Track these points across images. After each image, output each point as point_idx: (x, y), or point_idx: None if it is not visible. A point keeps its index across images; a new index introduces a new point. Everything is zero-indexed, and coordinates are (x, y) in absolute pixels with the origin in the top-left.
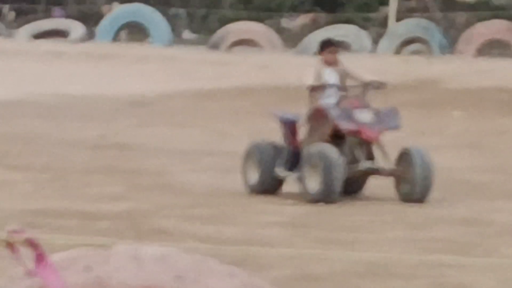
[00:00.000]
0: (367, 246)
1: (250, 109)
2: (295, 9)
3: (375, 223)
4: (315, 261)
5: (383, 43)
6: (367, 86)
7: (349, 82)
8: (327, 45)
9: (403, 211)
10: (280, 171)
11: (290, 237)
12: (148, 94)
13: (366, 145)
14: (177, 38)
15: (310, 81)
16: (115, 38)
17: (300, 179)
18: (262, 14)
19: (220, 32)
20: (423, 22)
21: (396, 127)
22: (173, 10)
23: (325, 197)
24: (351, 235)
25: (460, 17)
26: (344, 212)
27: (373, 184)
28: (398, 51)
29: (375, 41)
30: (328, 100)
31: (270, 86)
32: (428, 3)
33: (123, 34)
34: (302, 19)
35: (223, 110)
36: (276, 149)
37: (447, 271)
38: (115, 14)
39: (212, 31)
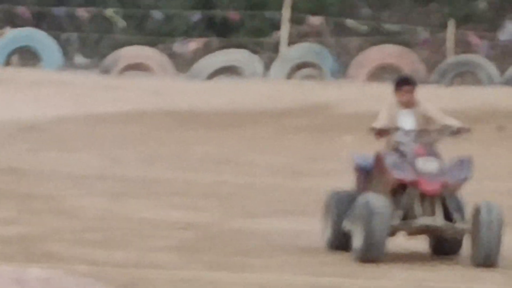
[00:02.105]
0: (257, 270)
1: (141, 134)
2: (188, 34)
3: (266, 248)
4: (204, 285)
5: (275, 67)
6: (442, 131)
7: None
8: (402, 84)
9: (295, 235)
10: (347, 224)
11: (180, 261)
12: (40, 119)
13: (430, 199)
14: (69, 63)
15: (379, 123)
16: (7, 62)
17: (350, 234)
18: (155, 38)
19: (112, 56)
20: (315, 46)
21: (463, 180)
22: (65, 35)
23: (367, 253)
24: (241, 259)
25: (352, 42)
26: (236, 238)
27: None
28: (290, 76)
29: (267, 66)
30: (402, 146)
31: (162, 110)
32: (321, 28)
33: (14, 58)
34: (195, 44)
35: (115, 134)
36: (352, 199)
37: None
38: (7, 39)
39: (104, 56)
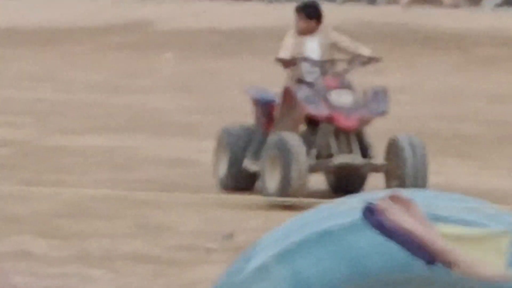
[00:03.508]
0: (71, 187)
1: None
2: None
3: (81, 165)
4: (17, 202)
5: None
6: (352, 61)
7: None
8: (300, 10)
9: (111, 152)
10: (248, 163)
11: None
12: None
13: (345, 135)
14: None
15: (283, 53)
16: None
17: (260, 174)
18: None
19: None
20: None
21: (381, 113)
22: None
23: (284, 194)
24: (55, 176)
25: None
26: (52, 155)
27: None
28: None
29: None
30: (309, 77)
31: None
32: None
33: None
34: None
35: None
36: (250, 135)
37: (150, 211)
38: None
39: None
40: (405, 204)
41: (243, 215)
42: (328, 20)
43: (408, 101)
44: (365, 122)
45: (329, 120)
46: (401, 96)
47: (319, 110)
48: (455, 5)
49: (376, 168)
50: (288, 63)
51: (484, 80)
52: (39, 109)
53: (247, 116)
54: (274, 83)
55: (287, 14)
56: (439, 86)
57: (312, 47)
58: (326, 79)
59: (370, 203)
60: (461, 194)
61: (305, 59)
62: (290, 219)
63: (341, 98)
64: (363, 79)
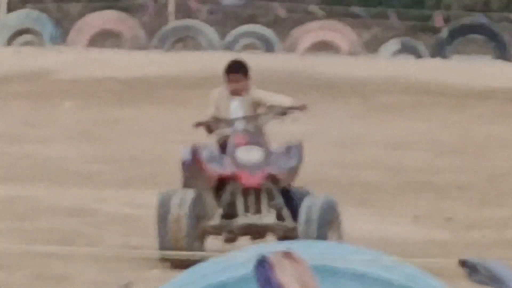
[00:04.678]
0: None
1: None
2: None
3: None
4: None
5: None
6: (268, 113)
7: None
8: (229, 71)
9: (10, 201)
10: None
11: None
12: None
13: (254, 194)
14: None
15: (205, 116)
16: None
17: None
18: None
19: None
20: (35, 13)
21: (291, 169)
22: None
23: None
24: None
25: (73, 7)
26: None
27: None
28: (9, 42)
29: None
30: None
31: None
32: None
33: None
34: None
35: None
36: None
37: (51, 262)
38: None
39: None
40: (296, 261)
41: (142, 265)
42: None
43: (308, 148)
44: (273, 179)
45: (234, 178)
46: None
47: (222, 169)
48: (353, 53)
49: (289, 231)
50: (208, 128)
51: (383, 127)
52: None
53: (149, 165)
54: (176, 131)
55: (186, 63)
56: (339, 134)
57: (237, 106)
58: (235, 136)
59: (263, 257)
60: (359, 244)
61: (219, 120)
62: (188, 270)
63: (248, 155)
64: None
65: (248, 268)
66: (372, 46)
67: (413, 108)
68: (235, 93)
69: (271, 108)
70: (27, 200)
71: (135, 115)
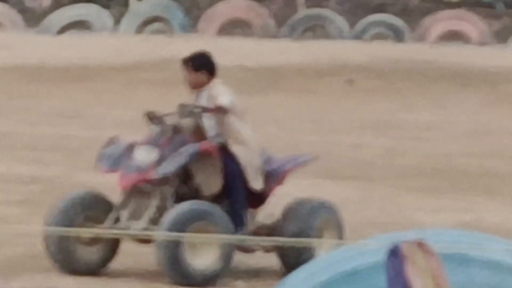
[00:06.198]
0: None
1: None
2: None
3: None
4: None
5: (125, 22)
6: (182, 112)
7: None
8: (184, 63)
9: None
10: None
11: (24, 215)
12: None
13: (141, 197)
14: None
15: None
16: None
17: None
18: None
19: None
20: (164, 1)
21: (165, 173)
22: None
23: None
24: None
25: None
26: None
27: None
28: (139, 30)
29: (117, 21)
30: None
31: (10, 65)
32: None
33: None
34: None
35: None
36: None
37: None
38: None
39: None
40: (429, 253)
41: None
42: (357, 58)
43: (436, 138)
44: (151, 183)
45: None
46: (430, 133)
47: (106, 168)
48: (483, 43)
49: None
50: (152, 120)
51: None
52: (69, 146)
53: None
54: (304, 120)
55: (315, 52)
56: (467, 123)
57: (193, 100)
58: (146, 135)
59: (396, 246)
60: (490, 233)
61: (152, 115)
62: (320, 257)
63: (142, 155)
64: (392, 117)
65: (379, 256)
66: (502, 36)
67: None
68: (192, 86)
69: (183, 107)
70: None
71: (263, 103)
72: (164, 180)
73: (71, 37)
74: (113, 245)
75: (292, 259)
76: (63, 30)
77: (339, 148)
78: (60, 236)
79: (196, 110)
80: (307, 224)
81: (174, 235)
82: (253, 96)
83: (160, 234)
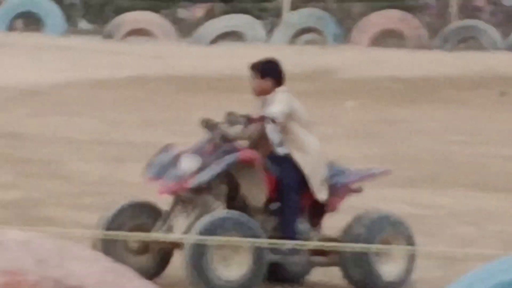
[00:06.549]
0: None
1: (142, 99)
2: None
3: None
4: None
5: (278, 33)
6: (228, 121)
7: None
8: (250, 69)
9: None
10: None
11: None
12: (42, 84)
13: (183, 205)
14: (73, 28)
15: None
16: (10, 27)
17: None
18: (158, 4)
19: (115, 21)
20: (317, 12)
21: (200, 182)
22: (68, 0)
23: None
24: None
25: (355, 7)
26: None
27: None
28: (292, 41)
29: (270, 31)
30: None
31: (163, 75)
32: None
33: (18, 23)
34: (199, 10)
35: (116, 99)
36: None
37: None
38: (10, 3)
39: (107, 21)
40: None
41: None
42: (510, 70)
43: None
44: (183, 191)
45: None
46: None
47: (150, 176)
48: None
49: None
50: (207, 127)
51: None
52: None
53: (430, 166)
54: (457, 132)
55: (469, 63)
56: None
57: (256, 107)
58: (194, 144)
59: None
60: None
61: (207, 122)
62: (477, 268)
63: (185, 163)
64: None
65: None
66: None
67: None
68: (257, 93)
69: (229, 115)
70: None
71: (416, 115)
72: (204, 189)
73: (223, 48)
74: (164, 255)
75: (354, 273)
76: (215, 40)
77: (492, 160)
78: (107, 244)
79: (241, 119)
80: (367, 238)
81: (198, 238)
82: (405, 107)
83: (188, 238)
